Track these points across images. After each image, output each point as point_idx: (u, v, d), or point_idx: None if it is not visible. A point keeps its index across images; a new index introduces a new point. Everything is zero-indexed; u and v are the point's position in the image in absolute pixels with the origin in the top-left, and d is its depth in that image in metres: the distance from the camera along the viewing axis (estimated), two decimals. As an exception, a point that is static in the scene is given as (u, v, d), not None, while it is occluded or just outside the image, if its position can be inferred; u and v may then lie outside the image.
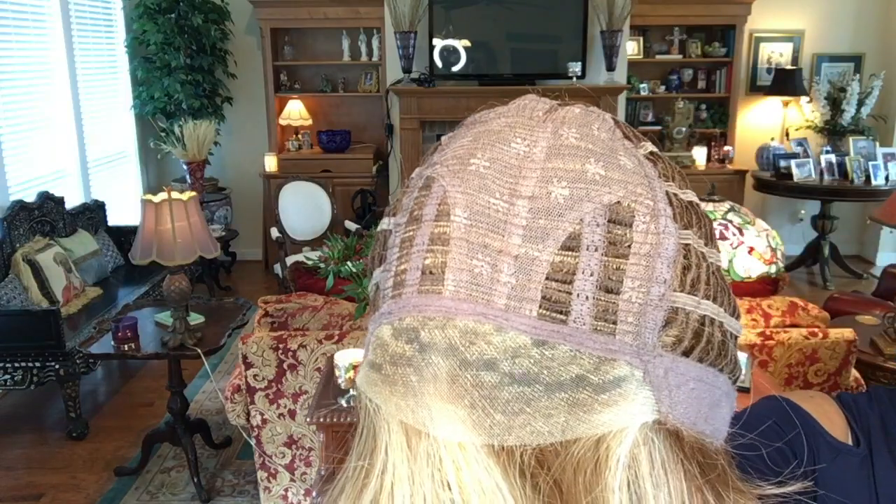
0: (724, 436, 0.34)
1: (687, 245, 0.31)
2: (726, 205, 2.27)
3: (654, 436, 0.30)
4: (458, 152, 0.33)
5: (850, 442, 0.59)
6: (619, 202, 0.30)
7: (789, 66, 6.07)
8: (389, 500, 0.31)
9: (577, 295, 0.29)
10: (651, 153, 0.34)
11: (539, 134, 0.33)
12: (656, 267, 0.30)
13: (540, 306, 0.29)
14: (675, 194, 0.33)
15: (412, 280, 0.31)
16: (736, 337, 0.34)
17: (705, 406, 0.32)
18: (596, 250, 0.29)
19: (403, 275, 0.32)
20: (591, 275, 0.29)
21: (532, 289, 0.29)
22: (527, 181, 0.31)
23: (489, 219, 0.30)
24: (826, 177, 5.58)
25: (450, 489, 0.30)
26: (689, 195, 0.34)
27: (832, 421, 0.60)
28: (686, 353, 0.31)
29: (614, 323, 0.29)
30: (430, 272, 0.31)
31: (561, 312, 0.29)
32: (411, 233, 0.32)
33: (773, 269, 2.18)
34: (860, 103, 5.69)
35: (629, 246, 0.30)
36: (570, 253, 0.29)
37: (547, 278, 0.29)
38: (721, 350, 0.33)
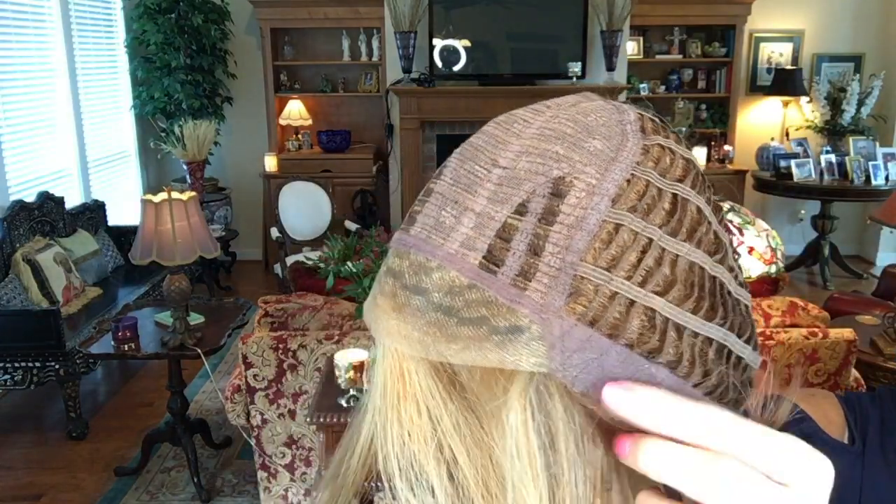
0: None
1: (619, 225, 0.33)
2: (726, 205, 2.26)
3: (543, 385, 0.34)
4: (485, 125, 0.39)
5: (845, 440, 0.59)
6: (563, 177, 0.34)
7: (789, 66, 6.07)
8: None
9: (512, 252, 0.33)
10: (660, 146, 0.36)
11: (538, 118, 0.37)
12: (574, 237, 0.33)
13: (483, 256, 0.34)
14: (660, 188, 0.34)
15: (404, 220, 0.39)
16: (700, 336, 0.34)
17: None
18: (535, 217, 0.33)
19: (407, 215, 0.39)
20: (526, 237, 0.33)
21: (481, 241, 0.34)
22: (507, 154, 0.36)
23: (467, 181, 0.36)
24: (826, 177, 5.57)
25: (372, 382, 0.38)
26: (683, 191, 0.35)
27: (829, 419, 0.60)
28: (591, 324, 0.33)
29: (529, 280, 0.33)
30: (411, 216, 0.38)
31: (496, 264, 0.34)
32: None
33: (773, 269, 2.18)
34: (860, 103, 5.69)
35: (558, 215, 0.33)
36: (518, 217, 0.34)
37: (496, 235, 0.34)
38: (646, 338, 0.33)
